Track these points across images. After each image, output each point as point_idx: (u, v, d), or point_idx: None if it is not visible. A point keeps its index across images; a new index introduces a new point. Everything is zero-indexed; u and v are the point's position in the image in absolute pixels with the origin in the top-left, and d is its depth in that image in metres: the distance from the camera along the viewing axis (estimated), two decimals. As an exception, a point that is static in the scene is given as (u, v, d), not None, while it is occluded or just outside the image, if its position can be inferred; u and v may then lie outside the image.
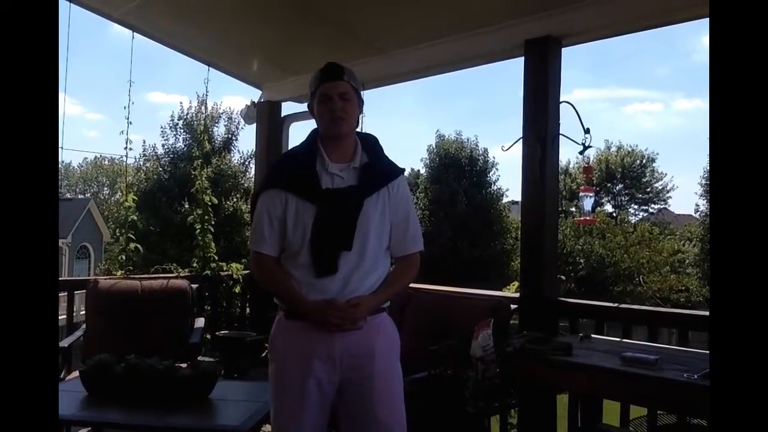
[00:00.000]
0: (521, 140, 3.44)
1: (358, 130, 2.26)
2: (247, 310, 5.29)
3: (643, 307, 4.18)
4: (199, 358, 3.78)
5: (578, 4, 3.20)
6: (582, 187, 3.67)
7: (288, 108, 5.15)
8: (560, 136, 3.39)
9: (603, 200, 32.04)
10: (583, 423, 3.19)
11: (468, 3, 3.59)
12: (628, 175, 32.78)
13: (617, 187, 33.20)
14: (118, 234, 5.42)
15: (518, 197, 3.56)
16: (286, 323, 2.15)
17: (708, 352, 2.57)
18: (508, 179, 27.95)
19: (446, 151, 25.56)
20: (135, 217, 5.35)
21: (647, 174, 33.28)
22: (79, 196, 37.48)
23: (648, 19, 3.24)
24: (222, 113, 22.49)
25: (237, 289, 5.18)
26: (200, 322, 4.23)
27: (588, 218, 3.91)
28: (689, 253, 26.32)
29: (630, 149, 33.38)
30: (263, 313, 4.76)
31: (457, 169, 25.12)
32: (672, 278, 24.15)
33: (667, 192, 33.72)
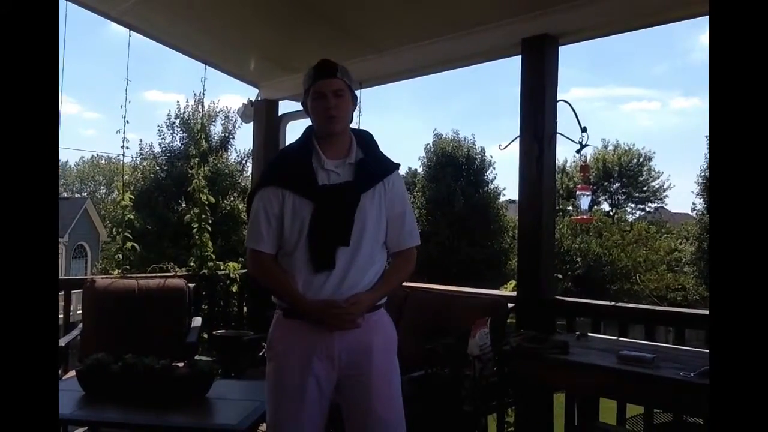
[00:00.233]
0: (518, 139, 3.44)
1: (354, 126, 2.27)
2: (245, 309, 5.29)
3: (640, 306, 4.19)
4: (196, 358, 3.78)
5: (575, 3, 3.20)
6: (579, 186, 3.68)
7: (285, 106, 5.15)
8: (557, 134, 3.39)
9: (600, 199, 32.09)
10: (579, 421, 3.20)
11: (465, 1, 3.59)
12: (625, 174, 32.83)
13: (614, 186, 33.25)
14: (114, 233, 5.40)
15: (515, 196, 3.56)
16: (285, 322, 2.15)
17: (704, 350, 2.58)
18: (506, 178, 28.01)
19: (443, 149, 25.57)
20: (132, 216, 5.34)
21: (644, 173, 33.32)
22: (76, 195, 37.42)
23: (645, 18, 3.25)
24: (219, 112, 22.45)
25: (234, 288, 5.17)
26: (197, 321, 4.23)
27: (585, 217, 3.92)
28: (686, 251, 26.37)
29: (627, 148, 33.42)
30: (260, 312, 4.76)
31: (455, 167, 25.12)
32: (669, 277, 24.18)
33: (664, 191, 33.78)
